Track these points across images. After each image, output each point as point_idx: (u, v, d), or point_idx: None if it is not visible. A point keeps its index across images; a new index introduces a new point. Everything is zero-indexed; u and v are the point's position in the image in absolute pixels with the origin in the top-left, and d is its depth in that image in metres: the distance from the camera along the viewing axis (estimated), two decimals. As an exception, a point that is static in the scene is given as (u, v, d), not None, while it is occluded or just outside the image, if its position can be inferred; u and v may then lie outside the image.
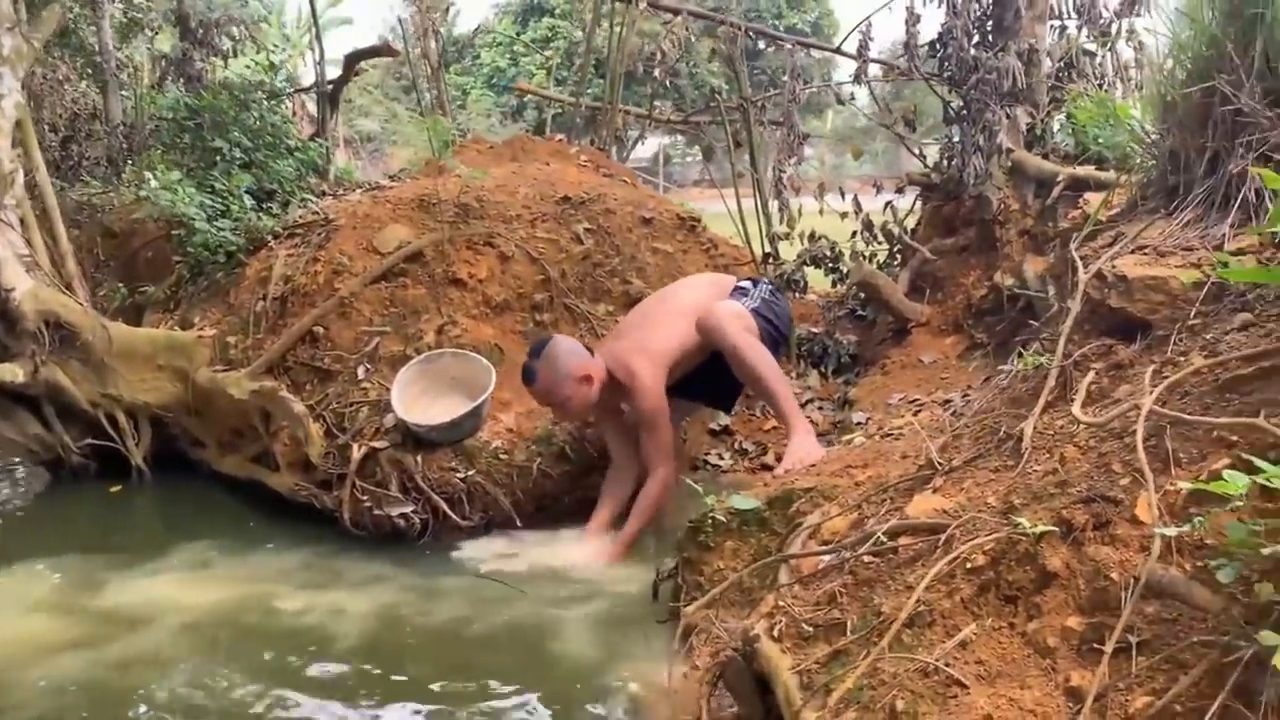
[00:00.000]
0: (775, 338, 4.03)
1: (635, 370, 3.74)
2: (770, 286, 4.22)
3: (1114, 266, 2.36)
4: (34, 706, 2.85)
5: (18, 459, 5.25)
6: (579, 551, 3.82)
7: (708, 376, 4.04)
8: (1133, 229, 2.57)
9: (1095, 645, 1.64)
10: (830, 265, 5.25)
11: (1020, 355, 2.57)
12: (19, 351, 4.63)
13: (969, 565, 1.94)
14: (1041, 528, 1.84)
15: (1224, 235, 2.35)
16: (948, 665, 1.79)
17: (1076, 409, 2.02)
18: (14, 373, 4.57)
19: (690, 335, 3.89)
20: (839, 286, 5.41)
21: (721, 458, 4.68)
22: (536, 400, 3.91)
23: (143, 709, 2.85)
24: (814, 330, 5.23)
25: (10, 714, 2.82)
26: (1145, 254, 2.40)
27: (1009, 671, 1.74)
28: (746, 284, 4.14)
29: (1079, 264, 2.48)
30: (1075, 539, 1.80)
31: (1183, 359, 2.04)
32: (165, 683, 2.97)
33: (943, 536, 2.06)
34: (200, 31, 8.39)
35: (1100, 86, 4.67)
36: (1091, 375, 2.18)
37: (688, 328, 3.89)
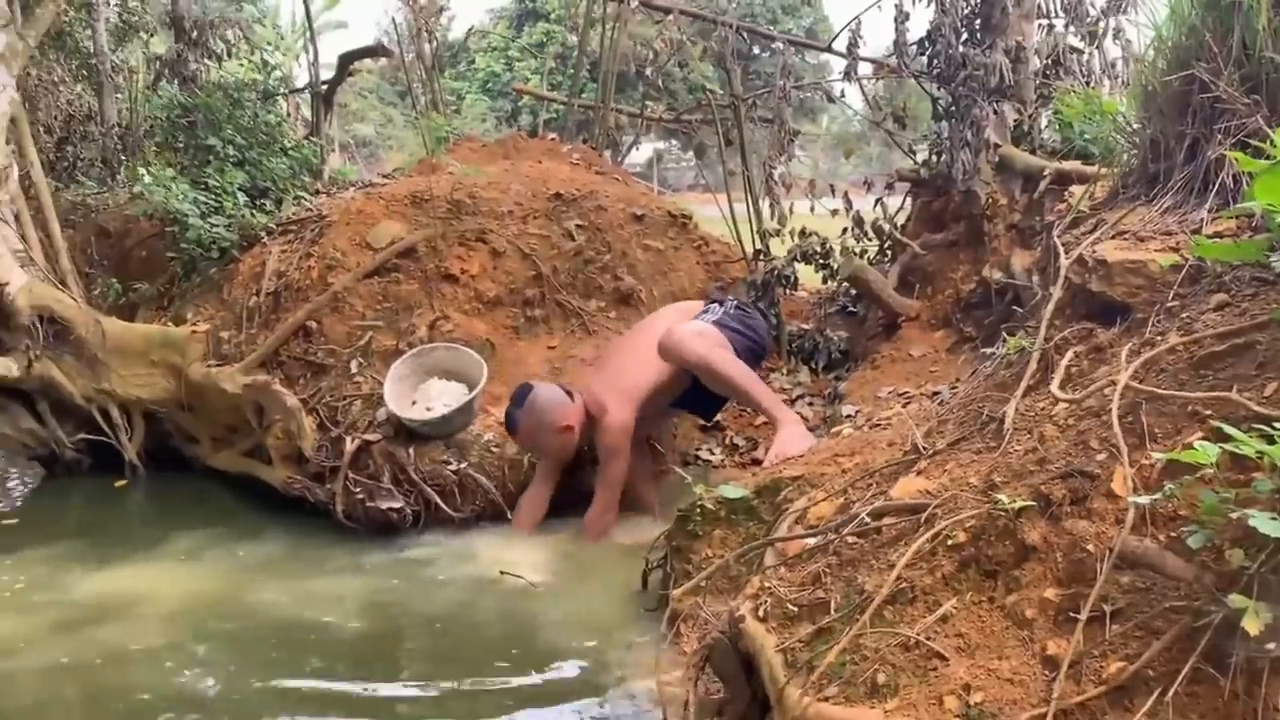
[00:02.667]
0: (750, 348, 4.08)
1: (606, 407, 3.84)
2: (735, 302, 4.29)
3: (1094, 251, 2.40)
4: (27, 694, 2.87)
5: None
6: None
7: (691, 398, 4.11)
8: (1114, 216, 2.60)
9: (1072, 615, 1.67)
10: (821, 261, 5.26)
11: (1005, 341, 2.60)
12: (13, 346, 4.65)
13: (950, 542, 1.97)
14: (1020, 503, 1.87)
15: (1202, 219, 2.39)
16: (928, 639, 1.82)
17: (1054, 387, 2.05)
18: (8, 367, 4.59)
19: (666, 368, 3.95)
20: (830, 283, 5.44)
21: (712, 453, 4.70)
22: (517, 444, 4.03)
23: (133, 695, 2.87)
24: (804, 327, 5.25)
25: (3, 700, 2.84)
26: (1125, 239, 2.43)
27: (988, 643, 1.77)
28: (711, 306, 4.21)
29: (1061, 250, 2.51)
30: (1053, 514, 1.83)
31: (1160, 339, 2.07)
32: (155, 670, 3.00)
33: (924, 515, 2.09)
34: (195, 33, 8.43)
35: (1087, 84, 4.71)
36: (1071, 356, 2.21)
37: (660, 362, 3.95)
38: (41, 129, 7.87)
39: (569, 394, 3.92)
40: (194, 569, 3.81)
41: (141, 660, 3.06)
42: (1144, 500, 1.64)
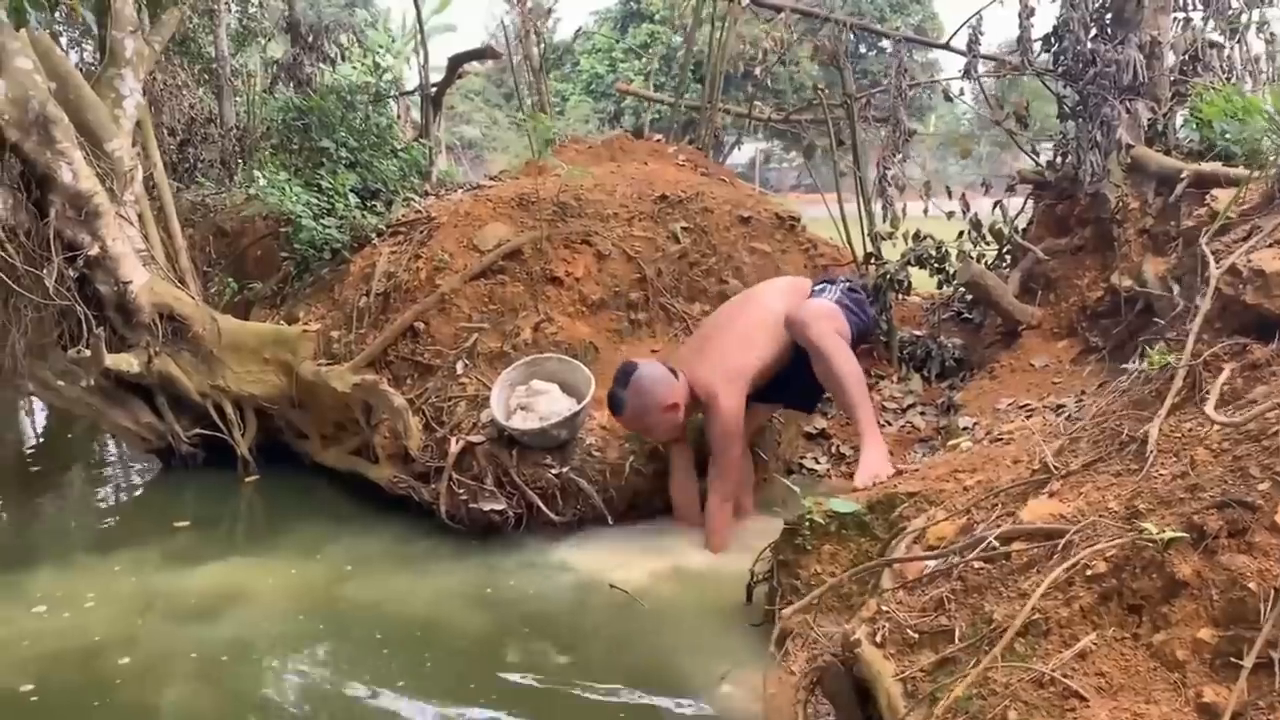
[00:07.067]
0: (861, 325, 4.00)
1: (718, 393, 3.74)
2: (847, 282, 4.13)
3: (1250, 261, 2.21)
4: (149, 685, 2.93)
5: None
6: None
7: (789, 379, 3.98)
8: (1269, 222, 2.41)
9: (1232, 659, 1.53)
10: (936, 266, 5.08)
11: (1144, 354, 2.43)
12: (134, 342, 4.78)
13: (1089, 572, 1.84)
14: (1170, 534, 1.73)
15: (1374, 227, 2.19)
16: (1065, 676, 1.70)
17: (1210, 408, 1.89)
18: (129, 363, 4.72)
19: (770, 347, 3.86)
20: (944, 288, 5.25)
21: (818, 462, 4.58)
22: (623, 426, 3.97)
23: (249, 686, 2.91)
24: (917, 333, 5.09)
25: (125, 692, 2.91)
26: (1284, 248, 2.24)
27: (1133, 685, 1.64)
28: (823, 284, 4.07)
29: (1210, 259, 2.33)
30: (1208, 546, 1.69)
31: (1329, 358, 1.89)
32: (268, 661, 3.06)
33: (1060, 542, 1.95)
34: (310, 37, 8.64)
35: (1228, 80, 4.43)
36: (1225, 374, 2.04)
37: (768, 340, 3.86)
38: (165, 131, 8.16)
39: (673, 372, 3.82)
40: (302, 564, 3.86)
41: (255, 652, 3.11)
42: (1319, 537, 1.48)
